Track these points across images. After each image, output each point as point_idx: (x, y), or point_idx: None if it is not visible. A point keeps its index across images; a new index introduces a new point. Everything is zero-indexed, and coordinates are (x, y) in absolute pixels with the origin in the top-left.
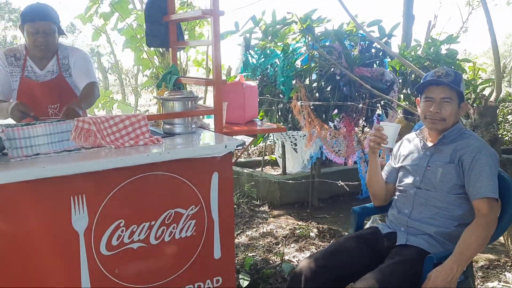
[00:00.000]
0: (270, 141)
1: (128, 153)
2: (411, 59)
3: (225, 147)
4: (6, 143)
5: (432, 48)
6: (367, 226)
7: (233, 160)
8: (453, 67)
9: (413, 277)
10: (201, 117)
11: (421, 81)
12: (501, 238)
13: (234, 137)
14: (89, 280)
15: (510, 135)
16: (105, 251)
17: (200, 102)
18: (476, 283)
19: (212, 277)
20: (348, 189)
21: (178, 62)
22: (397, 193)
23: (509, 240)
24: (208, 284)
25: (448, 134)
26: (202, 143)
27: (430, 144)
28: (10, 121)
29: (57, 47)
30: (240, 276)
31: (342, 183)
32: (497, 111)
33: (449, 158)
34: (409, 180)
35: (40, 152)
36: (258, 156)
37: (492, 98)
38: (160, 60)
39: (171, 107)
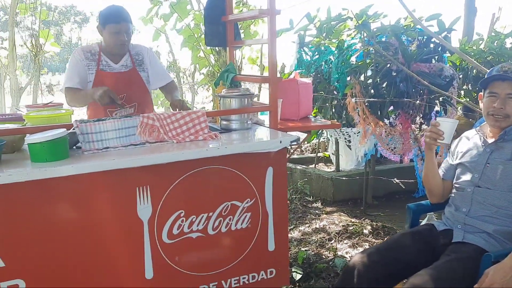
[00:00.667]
0: (324, 138)
1: (188, 148)
2: (472, 53)
3: (280, 142)
4: (80, 137)
5: (496, 42)
6: (422, 223)
7: (287, 156)
8: None
9: (469, 275)
10: (256, 113)
11: (486, 76)
12: None
13: (288, 133)
14: (151, 265)
15: None
16: (167, 239)
17: (255, 99)
18: None
19: (266, 268)
20: (404, 187)
21: (234, 60)
22: (454, 191)
23: None
24: (262, 275)
25: (510, 130)
26: (257, 138)
27: (490, 140)
28: (84, 112)
29: None
30: (293, 269)
31: (397, 181)
32: None
33: (510, 155)
34: (467, 177)
35: (110, 146)
36: (311, 153)
37: None
38: (216, 58)
39: (228, 104)
